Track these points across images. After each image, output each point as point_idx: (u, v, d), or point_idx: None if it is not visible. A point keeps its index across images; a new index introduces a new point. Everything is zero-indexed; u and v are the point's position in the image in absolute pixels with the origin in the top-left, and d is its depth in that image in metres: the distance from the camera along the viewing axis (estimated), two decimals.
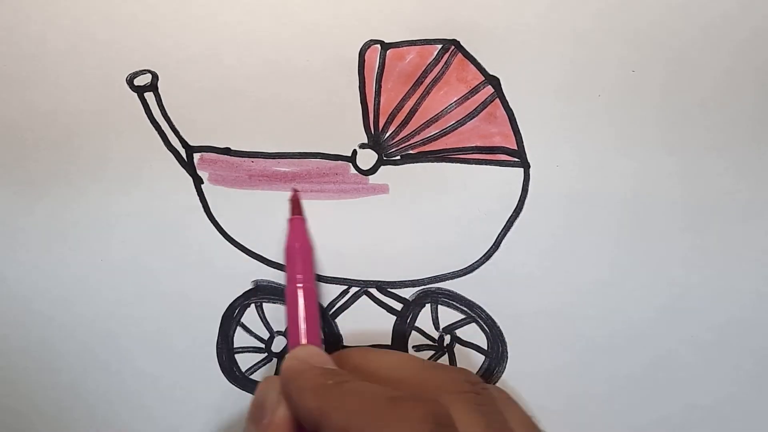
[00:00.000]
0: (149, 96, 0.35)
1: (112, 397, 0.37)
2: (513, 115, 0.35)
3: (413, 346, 0.37)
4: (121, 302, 0.36)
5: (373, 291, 0.36)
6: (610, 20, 0.34)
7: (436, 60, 0.35)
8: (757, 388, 0.36)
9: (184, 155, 0.35)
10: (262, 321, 0.37)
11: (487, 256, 0.36)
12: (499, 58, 0.35)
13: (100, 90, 0.35)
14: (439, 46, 0.35)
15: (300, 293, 0.34)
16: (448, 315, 0.36)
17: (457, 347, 0.37)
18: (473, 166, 0.35)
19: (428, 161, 0.35)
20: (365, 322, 0.36)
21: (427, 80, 0.35)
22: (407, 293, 0.36)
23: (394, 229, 0.36)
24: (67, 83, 0.35)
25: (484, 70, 0.35)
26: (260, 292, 0.36)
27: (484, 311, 0.36)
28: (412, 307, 0.36)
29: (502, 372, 0.36)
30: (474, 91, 0.35)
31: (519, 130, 0.35)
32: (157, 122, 0.35)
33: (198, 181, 0.36)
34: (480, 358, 0.36)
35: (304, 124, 0.35)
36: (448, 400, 0.28)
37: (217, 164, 0.36)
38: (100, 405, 0.37)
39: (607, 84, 0.35)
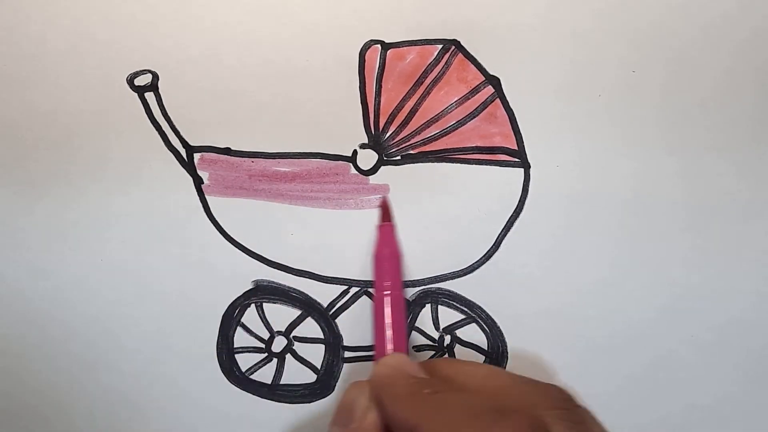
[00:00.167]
0: (149, 96, 0.35)
1: (112, 397, 0.37)
2: (513, 115, 0.35)
3: (413, 347, 0.37)
4: (121, 302, 0.36)
5: (374, 291, 0.36)
6: (610, 20, 0.34)
7: (437, 60, 0.35)
8: (757, 388, 0.36)
9: (184, 155, 0.35)
10: (262, 321, 0.37)
11: (487, 256, 0.36)
12: (499, 58, 0.35)
13: (100, 90, 0.35)
14: (440, 46, 0.35)
15: (387, 300, 0.34)
16: (448, 315, 0.36)
17: (458, 347, 0.37)
18: (473, 166, 0.35)
19: (428, 161, 0.35)
20: (365, 322, 0.36)
21: (428, 80, 0.35)
22: (407, 293, 0.36)
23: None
24: (67, 83, 0.35)
25: (485, 70, 0.35)
26: (260, 292, 0.36)
27: (484, 311, 0.36)
28: (412, 307, 0.36)
29: None
30: (474, 91, 0.35)
31: (519, 130, 0.35)
32: (157, 122, 0.35)
33: (198, 181, 0.36)
34: (480, 359, 0.36)
35: (304, 124, 0.35)
36: (547, 415, 0.28)
37: (217, 164, 0.36)
38: (100, 405, 0.37)
39: (607, 84, 0.35)
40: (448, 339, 0.37)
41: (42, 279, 0.36)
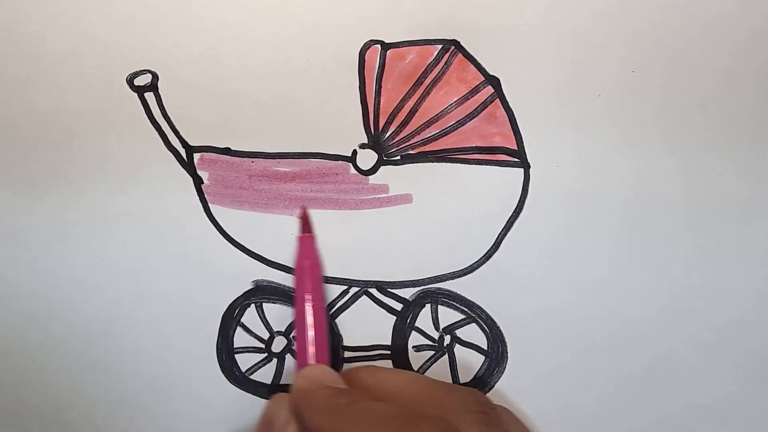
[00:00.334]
0: (149, 96, 0.35)
1: (112, 397, 0.37)
2: (513, 115, 0.35)
3: (413, 347, 0.37)
4: (121, 302, 0.36)
5: (373, 291, 0.36)
6: (610, 20, 0.34)
7: (437, 60, 0.35)
8: (757, 388, 0.36)
9: (184, 155, 0.35)
10: (262, 321, 0.37)
11: (487, 256, 0.36)
12: (499, 58, 0.35)
13: (100, 90, 0.35)
14: (440, 47, 0.35)
15: (309, 311, 0.34)
16: (448, 315, 0.36)
17: (457, 347, 0.37)
18: (473, 166, 0.35)
19: (428, 161, 0.35)
20: (365, 322, 0.36)
21: (428, 80, 0.35)
22: (407, 293, 0.36)
23: (394, 229, 0.36)
24: (67, 83, 0.35)
25: (484, 70, 0.35)
26: (260, 292, 0.36)
27: (484, 311, 0.36)
28: (412, 307, 0.36)
29: (502, 372, 0.36)
30: (474, 91, 0.35)
31: (519, 131, 0.35)
32: (157, 122, 0.35)
33: (198, 181, 0.36)
34: (480, 358, 0.36)
35: (304, 124, 0.35)
36: (460, 420, 0.28)
37: (217, 164, 0.36)
38: (100, 405, 0.37)
39: (607, 84, 0.35)
40: (448, 339, 0.37)
41: (42, 279, 0.36)
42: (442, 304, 0.36)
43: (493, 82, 0.35)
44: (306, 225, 0.35)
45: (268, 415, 0.32)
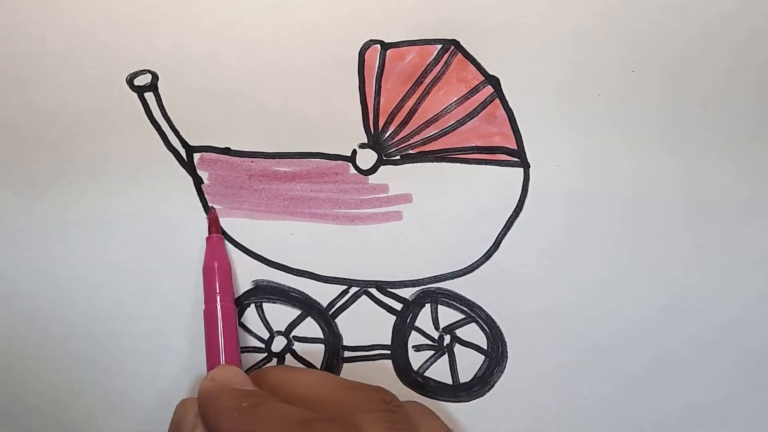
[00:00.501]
0: (149, 96, 0.35)
1: (112, 397, 0.37)
2: (513, 115, 0.35)
3: (413, 346, 0.37)
4: (121, 302, 0.36)
5: (373, 291, 0.36)
6: (610, 20, 0.34)
7: (436, 60, 0.35)
8: (757, 388, 0.36)
9: (184, 155, 0.35)
10: (262, 321, 0.37)
11: (487, 256, 0.36)
12: (499, 58, 0.35)
13: (100, 90, 0.35)
14: (439, 46, 0.35)
15: (219, 312, 0.34)
16: (448, 315, 0.36)
17: (457, 347, 0.37)
18: (473, 165, 0.35)
19: (428, 161, 0.35)
20: (365, 322, 0.36)
21: (427, 80, 0.35)
22: (407, 293, 0.36)
23: (394, 228, 0.36)
24: (67, 83, 0.35)
25: (484, 70, 0.35)
26: (260, 292, 0.36)
27: (484, 311, 0.36)
28: (412, 307, 0.36)
29: (502, 372, 0.36)
30: (474, 91, 0.35)
31: (519, 130, 0.35)
32: (157, 122, 0.35)
33: (198, 181, 0.36)
34: (480, 358, 0.36)
35: (304, 124, 0.35)
36: (363, 419, 0.28)
37: (217, 164, 0.36)
38: (100, 405, 0.37)
39: (607, 84, 0.35)
40: (447, 339, 0.37)
41: (42, 279, 0.36)
42: (442, 304, 0.36)
43: (493, 81, 0.35)
44: (214, 225, 0.35)
45: (176, 419, 0.32)
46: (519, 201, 0.35)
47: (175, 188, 0.36)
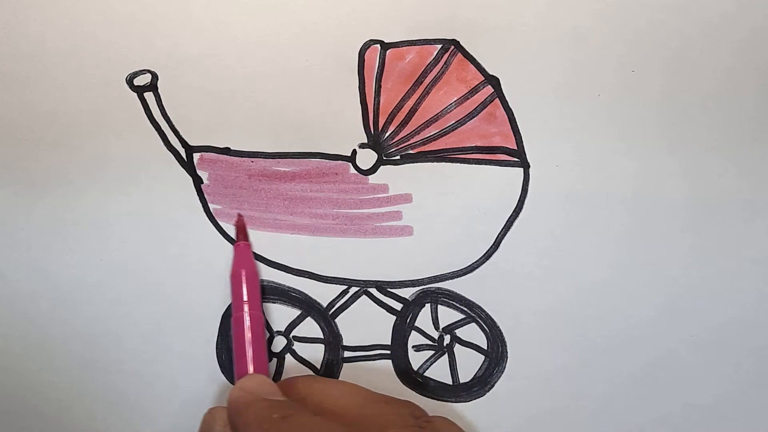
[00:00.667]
0: (149, 96, 0.35)
1: (112, 397, 0.37)
2: (513, 115, 0.35)
3: (413, 346, 0.37)
4: (121, 302, 0.36)
5: (373, 291, 0.36)
6: (610, 20, 0.34)
7: (436, 60, 0.35)
8: (757, 388, 0.36)
9: (183, 155, 0.36)
10: None
11: (487, 256, 0.36)
12: (498, 58, 0.35)
13: (100, 90, 0.35)
14: (439, 46, 0.35)
15: (247, 320, 0.34)
16: (447, 315, 0.36)
17: (457, 347, 0.37)
18: (473, 165, 0.35)
19: (428, 161, 0.35)
20: (365, 322, 0.36)
21: (427, 80, 0.35)
22: (407, 293, 0.36)
23: (394, 228, 0.36)
24: (67, 83, 0.35)
25: (484, 70, 0.35)
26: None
27: (484, 311, 0.36)
28: (411, 307, 0.36)
29: (502, 372, 0.36)
30: (474, 91, 0.35)
31: (519, 130, 0.35)
32: (156, 122, 0.35)
33: (198, 181, 0.36)
34: (480, 358, 0.36)
35: (303, 124, 0.35)
36: None
37: (217, 164, 0.36)
38: (100, 405, 0.37)
39: (607, 84, 0.35)
40: (447, 339, 0.37)
41: (42, 279, 0.36)
42: (441, 304, 0.36)
43: (493, 81, 0.35)
44: (242, 233, 0.35)
45: (204, 428, 0.32)
46: (519, 201, 0.35)
47: (175, 188, 0.36)
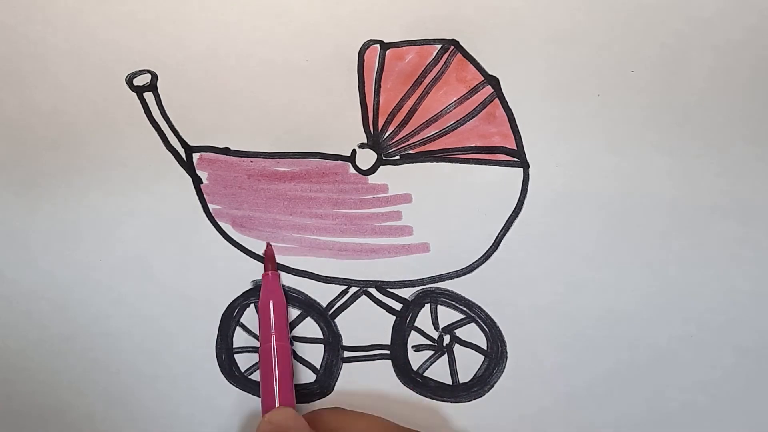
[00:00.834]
0: (149, 96, 0.35)
1: (112, 397, 0.37)
2: (512, 114, 0.35)
3: (413, 346, 0.37)
4: (121, 302, 0.36)
5: (373, 291, 0.36)
6: (609, 21, 0.34)
7: (436, 60, 0.35)
8: (756, 387, 0.36)
9: (183, 155, 0.36)
10: None
11: (487, 255, 0.36)
12: (498, 58, 0.35)
13: (100, 90, 0.35)
14: (439, 46, 0.35)
15: (274, 352, 0.34)
16: (447, 315, 0.36)
17: (457, 347, 0.37)
18: (472, 165, 0.35)
19: (427, 161, 0.35)
20: (365, 322, 0.36)
21: (427, 80, 0.35)
22: (407, 293, 0.36)
23: (393, 228, 0.36)
24: (67, 83, 0.35)
25: (484, 70, 0.35)
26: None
27: (484, 311, 0.36)
28: (411, 307, 0.36)
29: (502, 372, 0.36)
30: (473, 91, 0.35)
31: (518, 130, 0.35)
32: (156, 122, 0.35)
33: (197, 181, 0.36)
34: (479, 358, 0.36)
35: (303, 124, 0.35)
36: None
37: (217, 164, 0.36)
38: (100, 405, 0.37)
39: (606, 84, 0.35)
40: (447, 339, 0.37)
41: (42, 279, 0.36)
42: (441, 304, 0.36)
43: (493, 81, 0.35)
44: (271, 263, 0.35)
45: None
46: (518, 201, 0.35)
47: (175, 188, 0.36)
